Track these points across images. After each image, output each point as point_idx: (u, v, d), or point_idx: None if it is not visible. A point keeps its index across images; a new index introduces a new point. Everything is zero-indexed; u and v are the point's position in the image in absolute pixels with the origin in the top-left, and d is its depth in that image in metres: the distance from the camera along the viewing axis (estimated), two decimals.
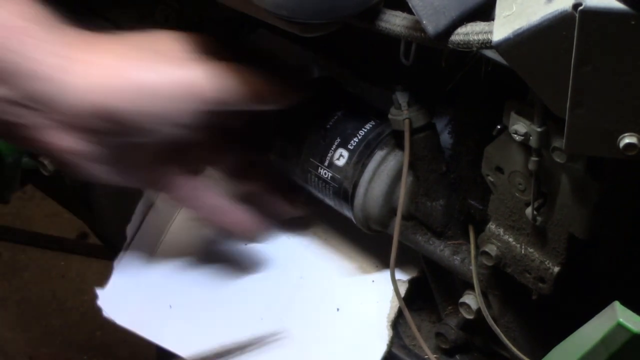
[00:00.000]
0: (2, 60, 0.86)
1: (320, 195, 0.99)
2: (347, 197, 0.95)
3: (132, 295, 1.10)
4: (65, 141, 0.90)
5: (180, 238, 1.13)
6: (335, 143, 0.96)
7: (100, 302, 1.09)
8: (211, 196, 1.02)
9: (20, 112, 0.88)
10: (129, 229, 1.13)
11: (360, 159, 0.94)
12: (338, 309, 1.04)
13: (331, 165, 0.96)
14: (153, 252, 1.12)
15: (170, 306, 1.08)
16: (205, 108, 0.90)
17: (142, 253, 1.12)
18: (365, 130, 0.95)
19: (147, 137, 0.91)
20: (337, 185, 0.96)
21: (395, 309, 1.00)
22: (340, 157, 0.96)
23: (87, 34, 0.91)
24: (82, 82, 0.87)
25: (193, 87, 0.89)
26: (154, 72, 0.89)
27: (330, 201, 0.98)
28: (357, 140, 0.95)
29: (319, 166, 0.97)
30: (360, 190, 0.94)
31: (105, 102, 0.88)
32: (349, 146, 0.95)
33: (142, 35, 0.94)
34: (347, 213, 0.97)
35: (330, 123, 0.97)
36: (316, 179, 0.97)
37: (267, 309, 1.07)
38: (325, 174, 0.96)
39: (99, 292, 1.09)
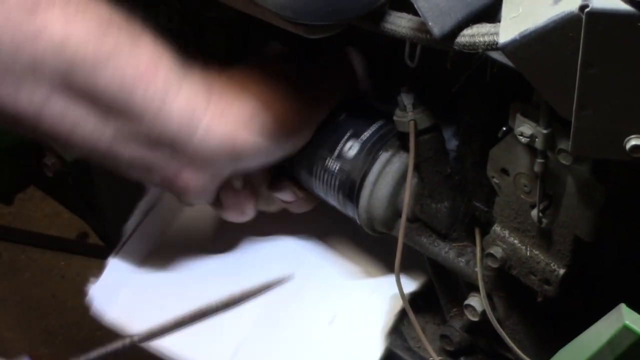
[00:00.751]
0: (132, 99, 0.89)
1: (323, 192, 0.98)
2: (353, 190, 0.95)
3: (123, 293, 1.10)
4: (189, 178, 0.95)
5: (179, 239, 1.13)
6: (347, 135, 0.96)
7: (90, 297, 1.09)
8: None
9: (149, 148, 0.92)
10: (127, 228, 1.12)
11: (372, 150, 0.94)
12: (334, 317, 1.04)
13: (340, 157, 0.96)
14: (149, 252, 1.12)
15: (162, 306, 1.08)
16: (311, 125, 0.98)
17: (137, 252, 1.12)
18: (378, 124, 0.96)
19: (263, 164, 0.98)
20: (343, 178, 0.95)
21: (393, 319, 1.00)
22: (351, 148, 0.96)
23: (207, 77, 0.94)
24: (212, 129, 0.92)
25: (301, 114, 0.97)
26: (272, 111, 0.94)
27: (333, 197, 0.98)
28: (370, 133, 0.95)
29: (327, 158, 0.97)
30: (365, 192, 0.94)
31: (234, 146, 0.93)
32: (361, 137, 0.95)
33: (250, 69, 0.98)
34: (350, 210, 0.97)
35: (342, 117, 0.98)
36: (323, 172, 0.97)
37: (265, 310, 1.07)
38: (333, 165, 0.96)
39: (91, 287, 1.09)
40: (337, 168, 0.96)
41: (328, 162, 0.97)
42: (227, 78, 0.95)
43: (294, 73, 0.98)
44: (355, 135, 0.96)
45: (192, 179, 0.95)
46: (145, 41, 0.91)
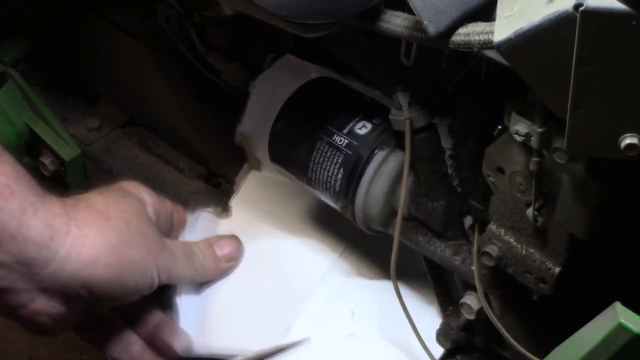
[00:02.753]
0: None
1: (317, 170, 0.98)
2: (358, 166, 0.94)
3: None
4: (39, 305, 0.93)
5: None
6: (359, 116, 0.97)
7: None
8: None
9: (3, 274, 0.90)
10: None
11: (384, 131, 0.94)
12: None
13: (351, 133, 0.96)
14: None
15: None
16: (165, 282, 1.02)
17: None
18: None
19: (115, 302, 1.00)
20: (350, 153, 0.95)
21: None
22: (363, 127, 0.96)
23: (65, 203, 0.95)
24: (71, 255, 0.92)
25: (165, 267, 1.00)
26: (139, 252, 0.97)
27: (330, 173, 0.97)
28: (381, 120, 0.95)
29: (335, 133, 0.96)
30: (362, 190, 0.94)
31: (88, 274, 0.93)
32: (374, 120, 0.96)
33: (111, 202, 0.99)
34: (343, 196, 0.96)
35: (354, 103, 0.99)
36: (326, 146, 0.96)
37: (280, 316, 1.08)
38: (340, 140, 0.96)
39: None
40: (345, 144, 0.96)
41: (335, 137, 0.96)
42: (87, 206, 0.96)
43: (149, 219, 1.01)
44: (368, 118, 0.96)
45: (43, 306, 0.93)
46: (4, 160, 0.91)
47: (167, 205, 1.07)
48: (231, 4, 0.92)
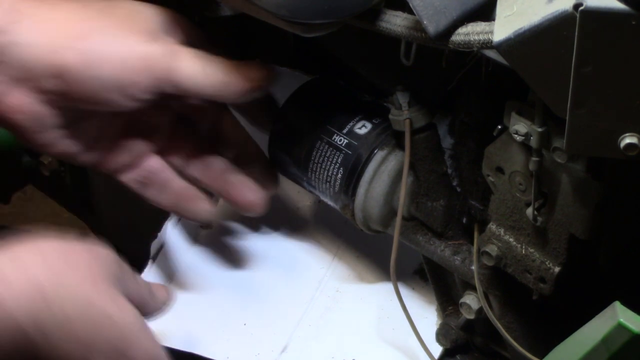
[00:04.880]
0: None
1: (317, 170, 0.97)
2: (358, 165, 0.94)
3: None
4: (16, 98, 0.87)
5: (201, 259, 1.14)
6: (359, 116, 0.96)
7: None
8: (178, 180, 0.99)
9: None
10: (153, 245, 1.12)
11: (384, 131, 0.94)
12: None
13: (350, 133, 0.95)
14: (175, 270, 1.13)
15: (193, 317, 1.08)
16: (168, 90, 0.89)
17: (165, 270, 1.12)
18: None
19: (100, 104, 0.89)
20: (349, 153, 0.94)
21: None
22: (363, 127, 0.95)
23: None
24: (37, 38, 0.85)
25: (154, 63, 0.87)
26: (110, 36, 0.87)
27: (330, 172, 0.96)
28: (381, 120, 0.95)
29: (335, 133, 0.96)
30: (361, 190, 0.94)
31: (55, 59, 0.86)
32: (373, 120, 0.95)
33: (118, 2, 0.91)
34: (342, 196, 0.96)
35: (354, 103, 0.98)
36: (326, 146, 0.96)
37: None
38: (340, 140, 0.95)
39: None
40: (344, 143, 0.95)
41: (335, 137, 0.96)
42: None
43: (158, 21, 0.90)
44: (368, 118, 0.96)
45: (17, 101, 0.87)
46: None
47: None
48: (231, 4, 0.92)
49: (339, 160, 0.95)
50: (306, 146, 0.98)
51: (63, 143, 0.92)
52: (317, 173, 0.97)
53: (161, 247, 1.12)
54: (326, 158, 0.96)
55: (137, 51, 0.87)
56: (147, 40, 0.88)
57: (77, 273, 0.79)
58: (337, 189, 0.96)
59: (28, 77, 0.86)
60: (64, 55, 0.86)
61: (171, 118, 0.98)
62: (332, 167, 0.96)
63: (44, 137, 0.91)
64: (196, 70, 0.89)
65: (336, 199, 0.97)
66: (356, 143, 0.95)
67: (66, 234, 0.85)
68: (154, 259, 1.12)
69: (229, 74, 0.90)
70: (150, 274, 1.11)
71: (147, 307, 0.88)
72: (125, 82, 0.87)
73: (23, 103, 0.87)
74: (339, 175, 0.95)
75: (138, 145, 0.97)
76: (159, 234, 1.12)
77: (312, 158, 0.97)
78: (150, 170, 0.98)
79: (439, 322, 1.02)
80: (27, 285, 0.75)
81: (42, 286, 0.76)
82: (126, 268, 0.87)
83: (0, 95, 0.87)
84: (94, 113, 0.92)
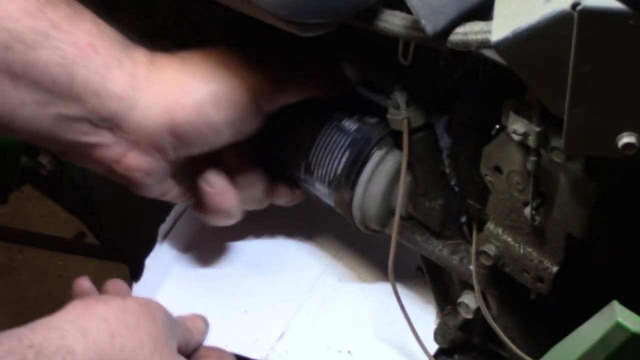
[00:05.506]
0: (73, 77, 0.87)
1: (320, 153, 0.97)
2: (367, 147, 0.94)
3: (162, 292, 1.10)
4: (134, 159, 0.92)
5: (212, 237, 1.14)
6: (369, 110, 0.97)
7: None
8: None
9: (90, 130, 0.90)
10: (162, 228, 1.13)
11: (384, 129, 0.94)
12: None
13: (361, 119, 0.96)
14: (184, 249, 1.14)
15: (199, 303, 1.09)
16: (267, 107, 0.94)
17: (172, 251, 1.13)
18: None
19: (211, 145, 0.94)
20: (359, 136, 0.95)
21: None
22: (373, 118, 0.96)
23: (151, 53, 0.92)
24: (151, 100, 0.89)
25: (253, 90, 0.92)
26: (214, 83, 0.91)
27: (335, 155, 0.96)
28: (379, 119, 0.95)
29: (345, 118, 0.96)
30: (359, 190, 0.94)
31: (174, 120, 0.90)
32: (370, 120, 0.96)
33: (200, 53, 0.95)
34: (345, 184, 0.96)
35: (353, 102, 0.99)
36: (335, 129, 0.96)
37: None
38: (349, 125, 0.96)
39: (134, 286, 1.09)
40: (354, 128, 0.95)
41: (345, 122, 0.96)
42: (170, 56, 0.93)
43: (244, 57, 0.95)
44: (378, 113, 0.96)
45: (136, 161, 0.92)
46: (86, 17, 0.88)
47: None
48: (229, 4, 0.92)
49: (347, 142, 0.95)
50: (312, 128, 0.98)
51: (175, 190, 0.99)
52: (319, 157, 0.97)
53: (168, 231, 1.13)
54: (330, 140, 0.96)
55: (238, 85, 0.92)
56: (249, 74, 0.92)
57: (140, 341, 0.88)
58: (339, 172, 0.96)
59: (145, 138, 0.91)
60: (178, 112, 0.90)
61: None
62: (335, 150, 0.96)
63: (161, 188, 0.97)
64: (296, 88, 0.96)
65: (337, 184, 0.96)
66: (366, 128, 0.95)
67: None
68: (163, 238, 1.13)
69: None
70: (154, 260, 1.11)
71: (191, 344, 0.98)
72: (235, 119, 0.92)
73: (140, 163, 0.93)
74: (344, 158, 0.95)
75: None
76: (167, 218, 1.12)
77: (317, 141, 0.97)
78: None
79: (437, 319, 1.02)
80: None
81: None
82: (172, 316, 0.95)
83: (119, 156, 0.92)
84: (195, 157, 0.96)
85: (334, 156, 0.96)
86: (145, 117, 0.90)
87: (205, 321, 1.01)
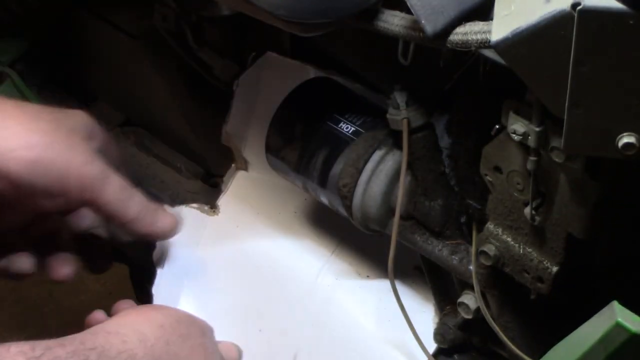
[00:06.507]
0: None
1: (321, 152, 0.98)
2: (367, 148, 0.95)
3: None
4: None
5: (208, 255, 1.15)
6: (369, 110, 0.98)
7: None
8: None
9: None
10: (155, 255, 1.14)
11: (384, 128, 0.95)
12: None
13: (361, 120, 0.97)
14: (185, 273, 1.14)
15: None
16: (89, 204, 0.97)
17: (175, 276, 1.13)
18: None
19: (30, 205, 0.95)
20: (359, 137, 0.96)
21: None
22: (372, 118, 0.97)
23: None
24: None
25: (89, 184, 0.95)
26: (60, 156, 0.93)
27: (333, 156, 0.97)
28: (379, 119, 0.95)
29: (344, 119, 0.97)
30: (359, 190, 0.94)
31: (8, 169, 0.91)
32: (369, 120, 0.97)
33: (46, 110, 0.97)
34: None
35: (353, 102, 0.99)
36: (334, 130, 0.97)
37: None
38: (349, 126, 0.97)
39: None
40: (352, 130, 0.97)
41: (344, 122, 0.97)
42: (19, 105, 0.96)
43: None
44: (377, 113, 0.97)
45: None
46: None
47: (114, 150, 1.04)
48: (229, 4, 0.92)
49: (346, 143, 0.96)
50: (313, 131, 0.98)
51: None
52: (319, 156, 0.98)
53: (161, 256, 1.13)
54: (332, 142, 0.97)
55: (77, 171, 0.94)
56: (86, 161, 0.95)
57: (191, 350, 0.91)
58: (338, 172, 0.96)
59: None
60: (9, 162, 0.91)
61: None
62: (336, 150, 0.97)
63: None
64: (118, 199, 0.98)
65: (334, 185, 0.97)
66: (363, 130, 0.95)
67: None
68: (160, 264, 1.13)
69: (142, 216, 0.99)
70: (160, 288, 1.12)
71: None
72: (59, 194, 0.94)
73: None
74: (343, 159, 0.96)
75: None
76: (157, 243, 1.13)
77: (316, 142, 0.98)
78: None
79: (436, 317, 1.02)
80: None
81: None
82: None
83: None
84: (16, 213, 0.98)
85: (333, 156, 0.96)
86: None
87: (239, 350, 1.02)
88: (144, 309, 0.94)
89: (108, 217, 0.99)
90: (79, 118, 0.99)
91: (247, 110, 1.11)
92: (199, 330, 0.94)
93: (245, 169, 1.16)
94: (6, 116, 0.92)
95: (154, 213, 1.01)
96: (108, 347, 0.83)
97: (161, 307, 0.96)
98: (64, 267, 1.06)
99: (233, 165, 1.17)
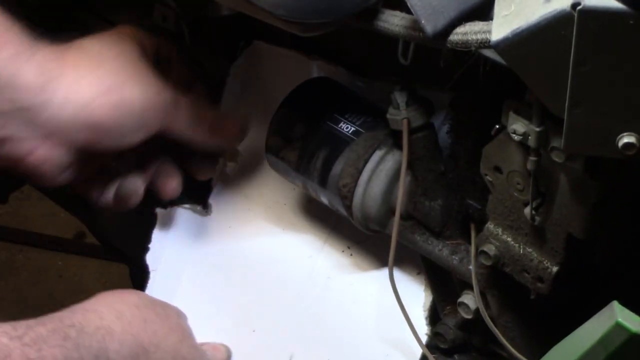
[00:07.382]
0: None
1: (321, 152, 0.98)
2: (367, 148, 0.95)
3: None
4: (44, 152, 0.94)
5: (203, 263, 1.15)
6: (369, 110, 0.98)
7: None
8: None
9: (1, 124, 0.91)
10: (148, 258, 1.14)
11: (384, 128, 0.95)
12: None
13: (361, 120, 0.97)
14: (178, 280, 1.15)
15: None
16: (164, 133, 1.00)
17: (168, 279, 1.14)
18: None
19: (116, 146, 0.98)
20: (359, 137, 0.96)
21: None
22: (372, 118, 0.97)
23: (59, 46, 0.94)
24: (67, 96, 0.92)
25: (164, 114, 0.98)
26: (136, 93, 0.95)
27: (333, 156, 0.97)
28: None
29: (344, 119, 0.98)
30: (359, 190, 0.94)
31: (87, 114, 0.93)
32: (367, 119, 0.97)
33: (105, 46, 0.98)
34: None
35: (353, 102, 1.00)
36: (334, 130, 0.98)
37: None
38: (349, 126, 0.97)
39: None
40: (352, 130, 0.97)
41: (344, 122, 0.97)
42: (79, 50, 0.95)
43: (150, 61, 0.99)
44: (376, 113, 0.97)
45: (46, 155, 0.94)
46: None
47: (173, 52, 1.06)
48: (229, 4, 0.92)
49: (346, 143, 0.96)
50: (313, 130, 0.98)
51: (69, 178, 1.00)
52: (318, 156, 0.98)
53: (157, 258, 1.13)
54: (332, 142, 0.97)
55: (152, 103, 0.97)
56: (158, 90, 0.97)
57: (169, 328, 0.94)
58: (337, 172, 0.96)
59: (59, 132, 0.93)
60: (95, 109, 0.93)
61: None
62: (336, 150, 0.97)
63: (61, 178, 0.98)
64: (189, 124, 1.02)
65: (334, 185, 0.97)
66: (363, 130, 0.95)
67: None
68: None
69: (212, 132, 1.04)
70: (154, 289, 1.12)
71: None
72: (143, 129, 0.97)
73: (51, 155, 0.95)
74: (343, 159, 0.96)
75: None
76: (150, 245, 1.13)
77: (316, 142, 0.98)
78: None
79: (427, 303, 1.01)
80: (133, 341, 0.89)
81: (143, 342, 0.90)
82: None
83: (30, 150, 0.94)
84: (103, 152, 1.00)
85: (333, 156, 0.96)
86: (61, 112, 0.92)
87: (227, 351, 1.04)
88: (119, 291, 0.96)
89: (181, 141, 1.02)
90: (127, 37, 1.00)
91: (237, 100, 1.12)
92: (174, 313, 0.96)
93: (236, 160, 1.16)
94: (73, 65, 0.93)
95: (221, 129, 1.05)
96: (86, 324, 0.85)
97: (135, 291, 0.99)
98: (170, 183, 1.07)
99: (221, 159, 1.17)
